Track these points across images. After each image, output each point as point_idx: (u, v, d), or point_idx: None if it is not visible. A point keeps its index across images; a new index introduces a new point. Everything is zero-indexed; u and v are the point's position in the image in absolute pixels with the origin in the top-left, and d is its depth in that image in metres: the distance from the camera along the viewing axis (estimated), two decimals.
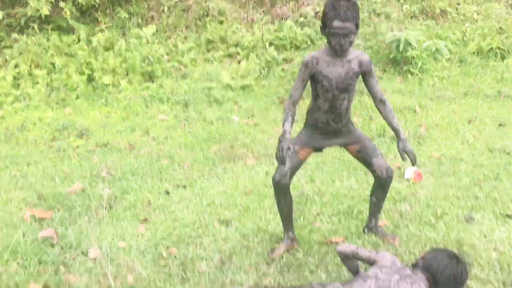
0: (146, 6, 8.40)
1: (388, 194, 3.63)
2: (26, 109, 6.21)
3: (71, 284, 2.65)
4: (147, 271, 2.80)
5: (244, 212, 3.57)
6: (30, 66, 6.97)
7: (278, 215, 3.43)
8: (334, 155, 4.67)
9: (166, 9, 8.19)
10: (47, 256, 2.90)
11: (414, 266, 2.42)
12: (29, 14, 7.25)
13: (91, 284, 2.64)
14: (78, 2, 7.55)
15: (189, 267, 2.86)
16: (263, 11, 8.44)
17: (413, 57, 6.95)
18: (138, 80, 6.99)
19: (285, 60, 7.40)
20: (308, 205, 3.62)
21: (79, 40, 7.53)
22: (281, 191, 2.90)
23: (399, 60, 7.08)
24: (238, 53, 7.64)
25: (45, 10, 7.25)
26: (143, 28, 7.90)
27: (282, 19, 8.12)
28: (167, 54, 7.63)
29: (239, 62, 7.53)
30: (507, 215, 3.21)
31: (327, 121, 2.84)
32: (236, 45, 7.73)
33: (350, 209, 3.52)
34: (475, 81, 6.92)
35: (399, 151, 2.89)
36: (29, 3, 7.26)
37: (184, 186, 4.15)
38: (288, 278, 2.73)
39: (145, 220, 3.50)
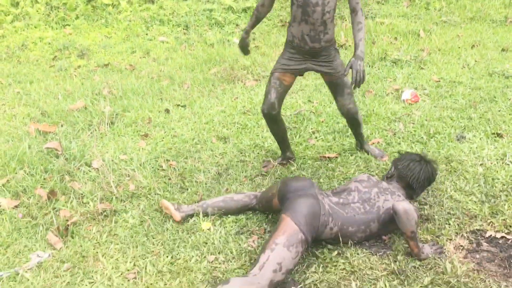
0: None
1: (384, 114, 3.71)
2: (26, 28, 6.17)
3: (76, 190, 2.79)
4: (147, 180, 2.93)
5: (242, 130, 3.66)
6: None
7: None
8: None
9: None
10: (53, 166, 3.03)
11: (388, 178, 2.55)
12: None
13: (94, 190, 2.78)
14: None
15: (187, 177, 3.00)
16: None
17: None
18: (138, 0, 6.86)
19: None
20: (305, 124, 3.70)
21: None
22: (272, 120, 2.88)
23: None
24: None
25: None
26: None
27: None
28: None
29: None
30: (497, 134, 3.28)
31: (302, 36, 2.68)
32: None
33: (345, 127, 3.59)
34: (483, 5, 6.74)
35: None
36: None
37: (184, 106, 4.22)
38: None
39: (146, 135, 3.61)
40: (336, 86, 2.88)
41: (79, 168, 3.07)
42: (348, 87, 2.89)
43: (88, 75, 5.06)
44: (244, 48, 2.99)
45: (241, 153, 3.32)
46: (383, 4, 6.68)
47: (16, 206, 2.62)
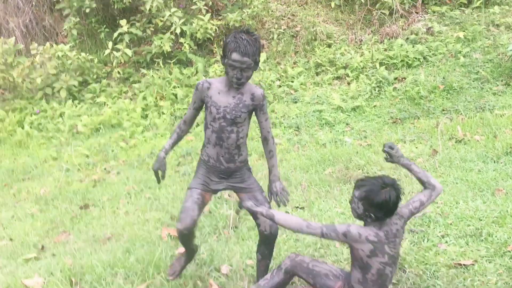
0: None
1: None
2: (154, 138, 6.83)
3: None
4: None
5: None
6: (156, 98, 7.69)
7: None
8: (456, 175, 4.50)
9: (275, 36, 8.54)
10: (185, 271, 3.18)
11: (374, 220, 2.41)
12: (153, 51, 8.03)
13: None
14: (195, 37, 8.19)
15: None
16: (372, 31, 8.44)
17: None
18: None
19: (396, 79, 7.30)
20: (432, 227, 3.53)
21: (197, 72, 8.14)
22: (190, 239, 2.80)
23: None
24: (348, 75, 7.69)
25: (167, 47, 7.99)
26: None
27: (392, 38, 8.04)
28: (278, 79, 7.94)
29: (348, 83, 7.59)
30: None
31: (217, 157, 2.74)
32: (345, 67, 7.80)
33: (477, 231, 3.37)
34: None
35: (268, 191, 2.86)
36: (153, 41, 8.05)
37: (303, 208, 4.28)
38: None
39: None
40: (253, 201, 2.76)
41: (209, 274, 3.18)
42: (267, 202, 2.82)
43: None
44: (161, 168, 2.80)
45: None
46: (500, 95, 6.46)
47: None
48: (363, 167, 5.05)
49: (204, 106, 2.75)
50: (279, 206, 2.84)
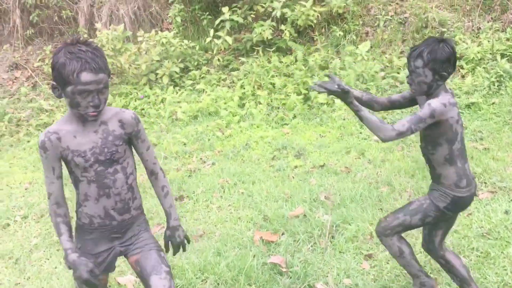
0: (360, 23, 8.33)
1: None
2: (250, 128, 6.71)
3: None
4: None
5: (483, 259, 3.14)
6: (254, 87, 7.55)
7: None
8: None
9: (381, 23, 7.97)
10: (277, 285, 2.98)
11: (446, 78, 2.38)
12: (254, 40, 7.88)
13: None
14: (296, 24, 7.90)
15: None
16: (492, 18, 7.55)
17: None
18: None
19: None
20: None
21: (296, 60, 7.87)
22: None
23: None
24: (462, 67, 6.96)
25: (268, 34, 7.80)
26: (358, 45, 7.84)
27: None
28: (382, 70, 7.41)
29: (463, 76, 6.87)
30: None
31: (106, 212, 2.10)
32: (460, 58, 7.05)
33: None
34: None
35: (164, 239, 2.34)
36: (254, 28, 7.90)
37: None
38: None
39: (369, 256, 3.35)
40: (147, 261, 2.20)
41: None
42: (167, 265, 2.22)
43: (305, 177, 5.13)
44: (92, 272, 2.00)
45: None
46: None
47: None
48: (480, 176, 4.49)
49: (64, 163, 2.10)
50: (174, 255, 2.39)
